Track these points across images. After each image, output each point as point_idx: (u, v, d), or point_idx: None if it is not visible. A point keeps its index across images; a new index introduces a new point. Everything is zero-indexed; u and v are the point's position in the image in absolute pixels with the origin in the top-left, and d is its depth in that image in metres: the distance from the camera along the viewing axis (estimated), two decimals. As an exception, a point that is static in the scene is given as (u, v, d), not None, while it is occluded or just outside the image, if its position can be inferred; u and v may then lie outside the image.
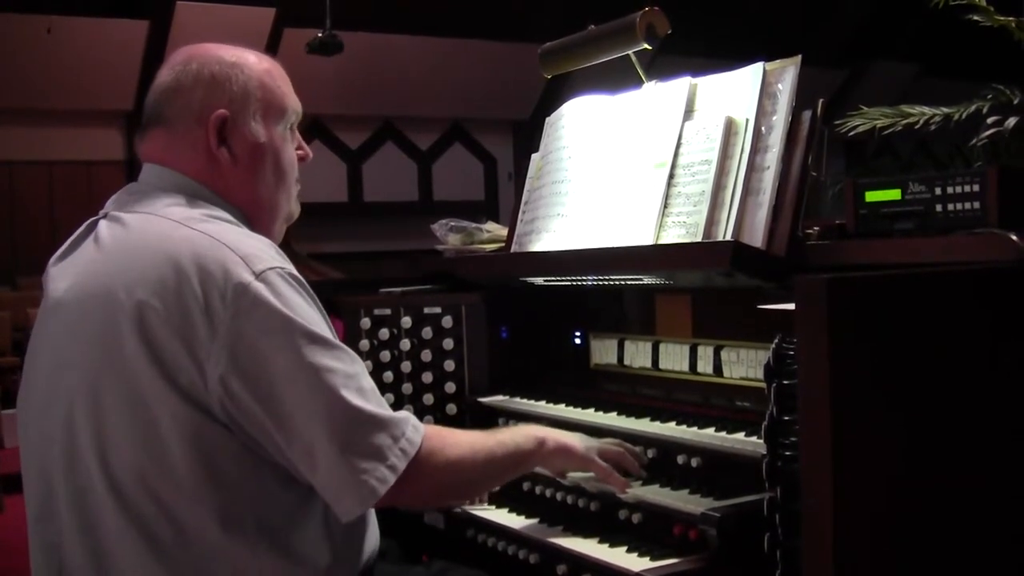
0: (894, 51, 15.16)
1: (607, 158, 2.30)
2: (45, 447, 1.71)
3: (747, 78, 2.09)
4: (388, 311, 2.63)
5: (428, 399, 2.58)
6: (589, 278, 2.30)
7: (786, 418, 1.56)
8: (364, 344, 2.61)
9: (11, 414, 7.96)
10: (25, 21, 11.17)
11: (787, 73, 2.04)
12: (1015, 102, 3.19)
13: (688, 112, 2.17)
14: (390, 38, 12.80)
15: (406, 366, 2.60)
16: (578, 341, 2.61)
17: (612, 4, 3.34)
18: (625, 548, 1.86)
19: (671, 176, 2.12)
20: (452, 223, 2.85)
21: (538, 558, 1.99)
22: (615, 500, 1.98)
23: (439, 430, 1.82)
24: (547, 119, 2.56)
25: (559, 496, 2.10)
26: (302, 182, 1.99)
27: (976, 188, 1.73)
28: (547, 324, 2.65)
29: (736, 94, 2.10)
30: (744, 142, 2.03)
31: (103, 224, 1.79)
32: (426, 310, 2.60)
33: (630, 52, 2.43)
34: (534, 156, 2.58)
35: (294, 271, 1.69)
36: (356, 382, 1.66)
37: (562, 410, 2.36)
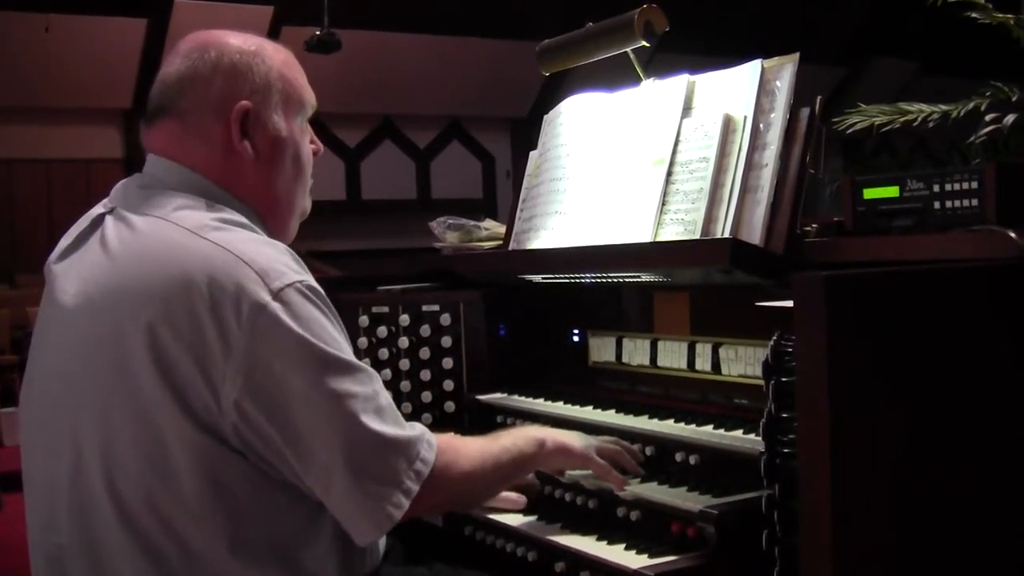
0: (892, 49, 15.15)
1: (605, 155, 2.30)
2: (50, 460, 1.67)
3: (745, 75, 2.08)
4: (386, 309, 2.62)
5: (426, 397, 2.58)
6: (587, 276, 2.30)
7: (784, 415, 1.56)
8: (362, 342, 2.61)
9: (10, 412, 7.96)
10: (23, 19, 11.15)
11: (785, 70, 2.04)
12: (1013, 99, 3.18)
13: (686, 109, 2.17)
14: (388, 36, 12.80)
15: (404, 364, 2.60)
16: (576, 338, 2.60)
17: (610, 1, 3.34)
18: (623, 545, 1.86)
19: (669, 173, 2.12)
20: (450, 221, 2.85)
21: (536, 555, 1.99)
22: (613, 498, 1.98)
23: (450, 442, 1.80)
24: (545, 117, 2.56)
25: (557, 494, 2.10)
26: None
27: (974, 185, 1.72)
28: (545, 322, 2.65)
29: (734, 91, 2.10)
30: (742, 139, 2.03)
31: (109, 223, 1.72)
32: (424, 308, 2.60)
33: (628, 49, 2.43)
34: (532, 154, 2.58)
35: (312, 282, 1.63)
36: (374, 403, 1.62)
37: (560, 408, 2.36)
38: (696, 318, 2.28)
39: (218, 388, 1.54)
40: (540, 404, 2.40)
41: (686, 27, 4.36)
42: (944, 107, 3.46)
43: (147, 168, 1.79)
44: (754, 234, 1.95)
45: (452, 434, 1.91)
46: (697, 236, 2.01)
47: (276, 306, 1.55)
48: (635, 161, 2.21)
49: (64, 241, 1.79)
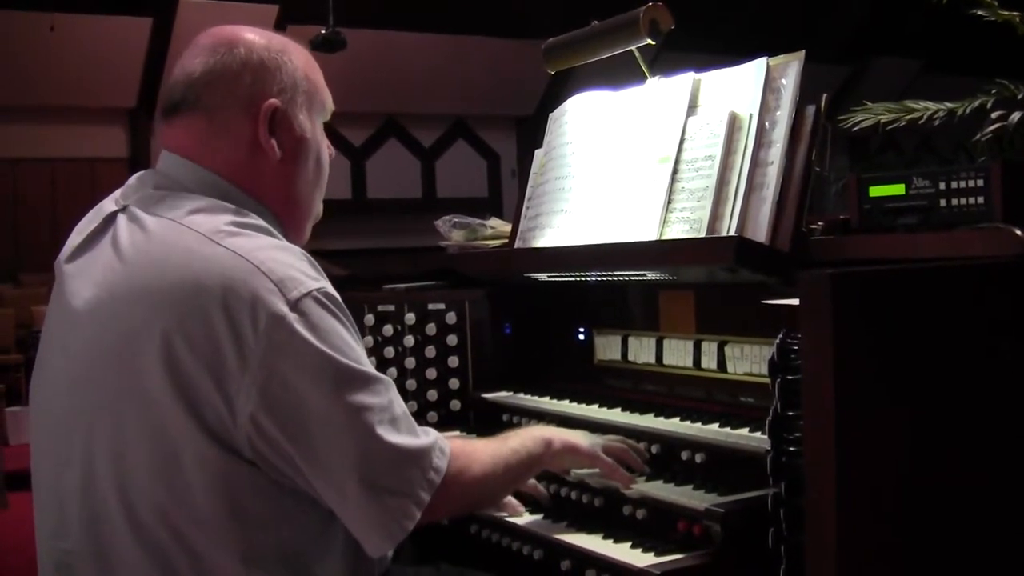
0: (897, 47, 15.15)
1: (611, 154, 2.30)
2: (61, 468, 1.64)
3: (751, 74, 2.08)
4: (392, 307, 2.62)
5: (432, 395, 2.58)
6: (593, 274, 2.30)
7: (790, 413, 1.56)
8: (368, 340, 2.61)
9: (15, 411, 7.97)
10: (28, 18, 11.19)
11: (791, 68, 2.03)
12: (1019, 97, 3.17)
13: (692, 108, 2.17)
14: (393, 35, 12.82)
15: (410, 362, 2.60)
16: (582, 337, 2.60)
17: (616, 0, 3.33)
18: (629, 544, 1.86)
19: (675, 172, 2.12)
20: (456, 219, 2.85)
21: (542, 554, 1.99)
22: (619, 496, 1.98)
23: (463, 447, 1.78)
24: (550, 115, 2.56)
25: (563, 492, 2.10)
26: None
27: (980, 183, 1.72)
28: (551, 320, 2.65)
29: (739, 90, 2.09)
30: (748, 137, 2.03)
31: (122, 223, 1.67)
32: (430, 306, 2.60)
33: (633, 48, 2.43)
34: (537, 152, 2.58)
35: (329, 288, 1.60)
36: (389, 413, 1.60)
37: (566, 406, 2.36)
38: (702, 316, 2.28)
39: (233, 400, 1.51)
40: (545, 402, 2.40)
41: (691, 25, 4.36)
42: (950, 105, 3.45)
43: (162, 166, 1.74)
44: (760, 232, 1.95)
45: (460, 434, 1.90)
46: (703, 234, 2.01)
47: (293, 317, 1.52)
48: (640, 159, 2.21)
49: (75, 238, 1.74)
